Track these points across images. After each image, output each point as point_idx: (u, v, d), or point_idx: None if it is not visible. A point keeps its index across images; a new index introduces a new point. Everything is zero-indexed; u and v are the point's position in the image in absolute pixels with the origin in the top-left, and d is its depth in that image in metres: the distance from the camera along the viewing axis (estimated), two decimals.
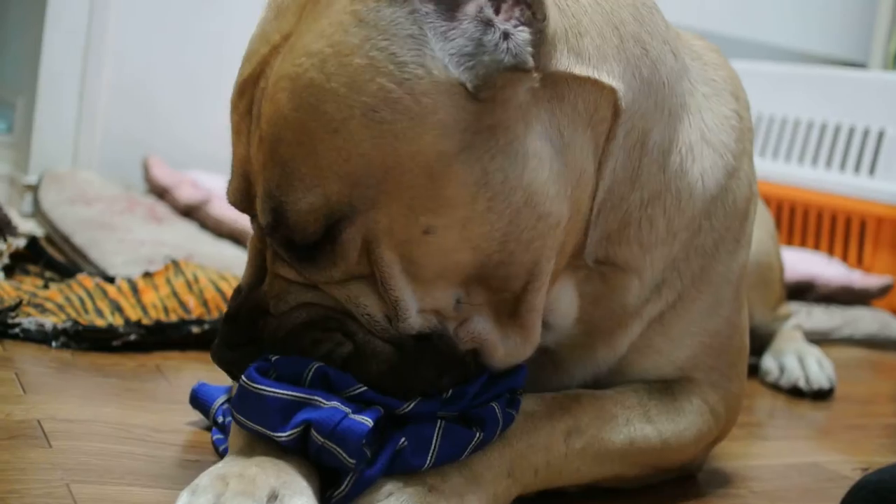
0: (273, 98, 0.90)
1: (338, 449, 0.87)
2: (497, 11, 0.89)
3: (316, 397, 0.89)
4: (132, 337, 1.44)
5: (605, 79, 0.98)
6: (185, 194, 2.31)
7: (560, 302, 1.07)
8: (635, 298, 1.10)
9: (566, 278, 1.06)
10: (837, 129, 2.75)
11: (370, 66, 0.87)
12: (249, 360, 0.94)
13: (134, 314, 1.49)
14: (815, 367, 1.79)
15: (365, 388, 0.91)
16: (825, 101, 2.81)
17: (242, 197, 0.96)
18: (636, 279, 1.09)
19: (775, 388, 1.79)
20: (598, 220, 1.04)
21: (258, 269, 0.99)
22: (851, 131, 2.72)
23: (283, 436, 0.88)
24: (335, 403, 0.89)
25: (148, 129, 2.62)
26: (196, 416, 1.19)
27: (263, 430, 0.89)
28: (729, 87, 1.18)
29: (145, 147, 2.61)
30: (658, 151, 1.06)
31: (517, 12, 0.89)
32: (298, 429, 0.88)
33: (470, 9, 0.88)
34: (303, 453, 0.90)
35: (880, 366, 2.18)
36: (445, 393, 0.95)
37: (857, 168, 2.68)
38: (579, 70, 0.96)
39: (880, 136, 2.65)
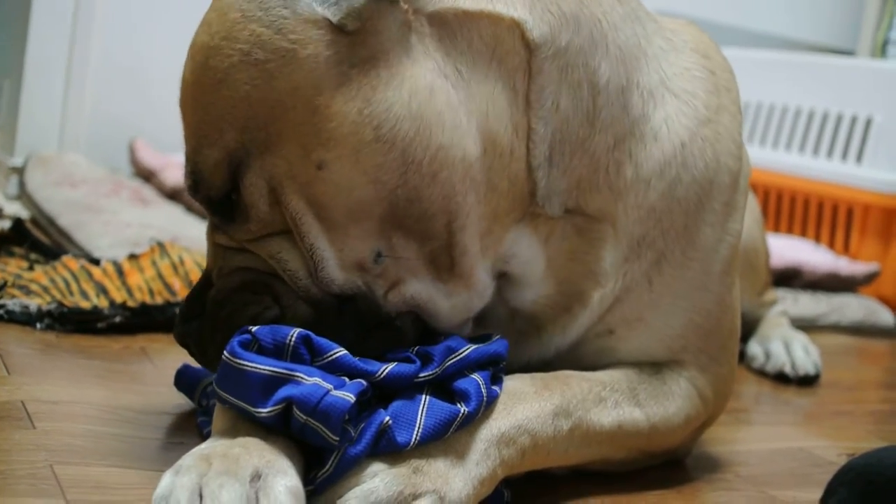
0: (182, 72, 0.99)
1: (320, 426, 0.86)
2: None
3: (297, 373, 0.88)
4: (117, 319, 1.43)
5: (502, 10, 0.99)
6: (172, 177, 2.30)
7: (517, 249, 1.05)
8: (612, 252, 1.09)
9: (523, 226, 1.05)
10: (825, 117, 2.75)
11: (243, 17, 0.94)
12: (198, 330, 1.00)
13: (119, 296, 1.48)
14: (801, 353, 1.79)
15: (343, 352, 0.92)
16: (813, 88, 2.81)
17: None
18: (610, 228, 1.08)
19: (761, 373, 1.79)
20: (554, 162, 1.03)
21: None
22: (839, 119, 2.72)
23: (263, 412, 0.88)
24: (317, 379, 0.88)
25: (135, 112, 2.61)
26: (181, 398, 1.18)
27: (244, 405, 0.89)
28: (691, 45, 1.17)
29: (132, 130, 2.60)
30: (615, 91, 1.06)
31: None
32: (280, 406, 0.87)
33: None
34: (285, 431, 0.89)
35: (866, 353, 2.18)
36: (410, 349, 0.97)
37: (845, 155, 2.68)
38: (468, 5, 0.98)
39: (868, 123, 2.65)
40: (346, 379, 0.91)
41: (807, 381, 1.75)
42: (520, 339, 1.11)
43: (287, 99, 0.92)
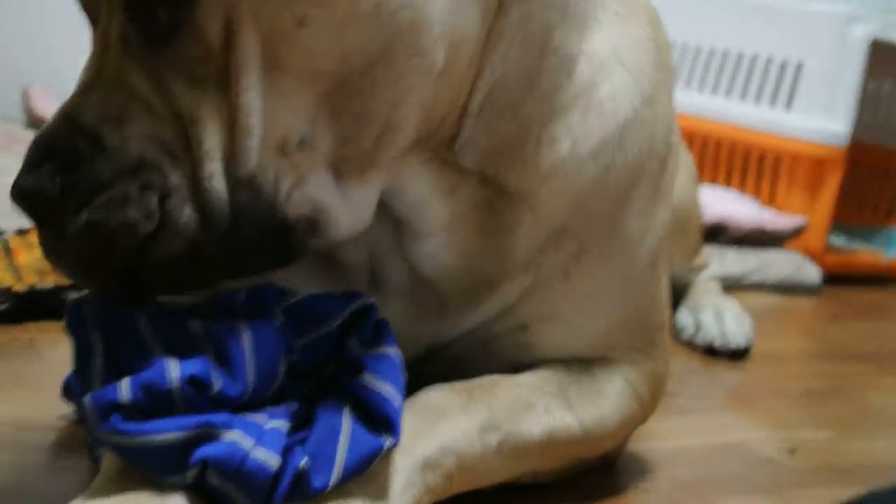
0: None
1: (238, 492, 0.78)
2: None
3: (212, 427, 0.78)
4: (2, 307, 1.32)
5: None
6: None
7: (409, 186, 0.96)
8: (526, 239, 1.01)
9: (427, 166, 0.96)
10: (754, 60, 2.68)
11: None
12: (49, 190, 0.81)
13: (4, 279, 1.36)
14: (733, 325, 1.74)
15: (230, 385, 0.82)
16: (741, 30, 2.74)
17: None
18: (528, 212, 0.99)
19: (690, 345, 1.74)
20: (482, 114, 0.95)
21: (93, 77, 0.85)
22: (768, 62, 2.65)
23: (179, 480, 0.78)
24: (234, 435, 0.79)
25: (28, 56, 2.52)
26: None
27: (158, 474, 0.79)
28: (644, 12, 1.08)
29: (25, 75, 2.50)
30: (564, 57, 0.98)
31: None
32: (196, 468, 0.78)
33: None
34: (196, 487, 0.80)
35: (792, 314, 2.16)
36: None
37: (774, 101, 2.62)
38: None
39: (798, 68, 2.59)
40: (262, 425, 0.81)
41: (737, 355, 1.70)
42: (421, 313, 1.03)
43: None
